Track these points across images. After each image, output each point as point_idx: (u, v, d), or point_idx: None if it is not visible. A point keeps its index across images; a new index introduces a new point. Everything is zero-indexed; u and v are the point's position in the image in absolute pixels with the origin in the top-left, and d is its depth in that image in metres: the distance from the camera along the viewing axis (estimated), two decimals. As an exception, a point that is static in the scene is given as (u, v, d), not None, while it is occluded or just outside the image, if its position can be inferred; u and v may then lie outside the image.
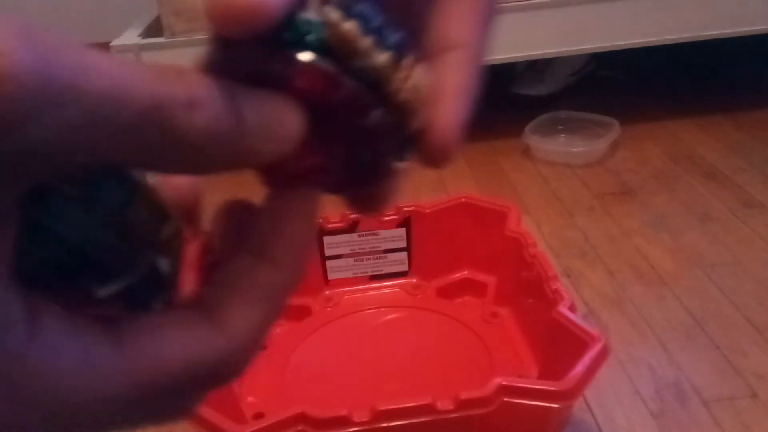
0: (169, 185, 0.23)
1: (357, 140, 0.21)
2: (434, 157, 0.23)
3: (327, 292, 1.00)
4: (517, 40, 1.37)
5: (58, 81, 0.15)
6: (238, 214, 0.23)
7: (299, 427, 0.65)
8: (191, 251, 0.23)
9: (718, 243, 1.09)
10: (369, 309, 0.98)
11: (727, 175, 1.29)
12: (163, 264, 0.21)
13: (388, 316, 0.96)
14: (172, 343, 0.19)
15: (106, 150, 0.16)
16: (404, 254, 1.01)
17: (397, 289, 1.00)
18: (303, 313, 0.97)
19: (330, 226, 0.98)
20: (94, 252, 0.19)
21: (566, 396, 0.67)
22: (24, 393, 0.17)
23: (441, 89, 0.22)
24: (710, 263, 1.04)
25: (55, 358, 0.17)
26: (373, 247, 1.00)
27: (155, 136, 0.17)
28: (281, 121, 0.19)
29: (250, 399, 0.83)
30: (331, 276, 1.00)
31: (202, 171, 0.19)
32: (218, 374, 0.21)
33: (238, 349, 0.20)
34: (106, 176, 0.19)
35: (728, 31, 1.39)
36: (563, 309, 0.76)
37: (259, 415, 0.78)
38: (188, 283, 0.22)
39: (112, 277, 0.19)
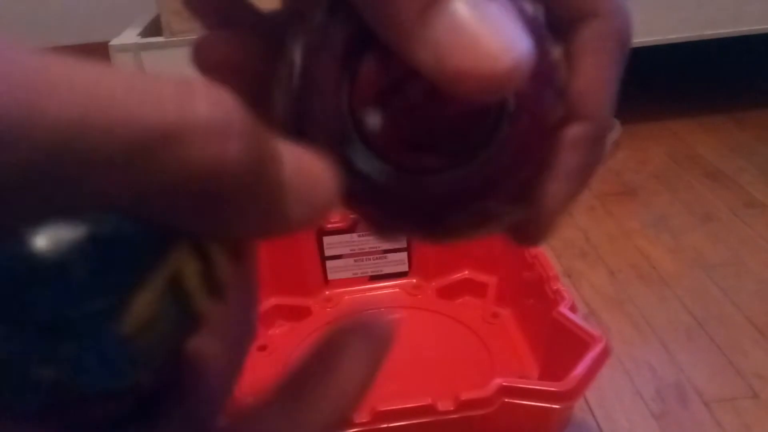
0: None
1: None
2: (528, 240, 0.20)
3: (327, 293, 1.00)
4: (518, 40, 1.37)
5: (3, 111, 0.11)
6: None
7: (299, 428, 0.65)
8: None
9: (720, 243, 1.09)
10: (369, 309, 0.98)
11: (728, 175, 1.29)
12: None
13: (388, 317, 0.96)
14: None
15: (72, 199, 0.12)
16: (404, 254, 1.01)
17: (397, 290, 1.00)
18: (303, 313, 0.96)
19: (330, 226, 0.98)
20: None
21: (567, 397, 0.66)
22: None
23: (560, 169, 0.19)
24: (711, 263, 1.04)
25: None
26: (373, 248, 1.00)
27: (158, 175, 0.12)
28: (323, 180, 0.15)
29: (249, 399, 0.83)
30: (330, 276, 1.00)
31: (217, 230, 0.14)
32: None
33: None
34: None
35: (728, 31, 1.39)
36: (564, 309, 0.76)
37: (258, 416, 0.78)
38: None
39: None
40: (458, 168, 0.18)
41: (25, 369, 0.13)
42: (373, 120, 0.17)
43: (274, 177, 0.14)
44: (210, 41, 0.21)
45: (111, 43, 1.32)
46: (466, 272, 1.00)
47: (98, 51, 1.74)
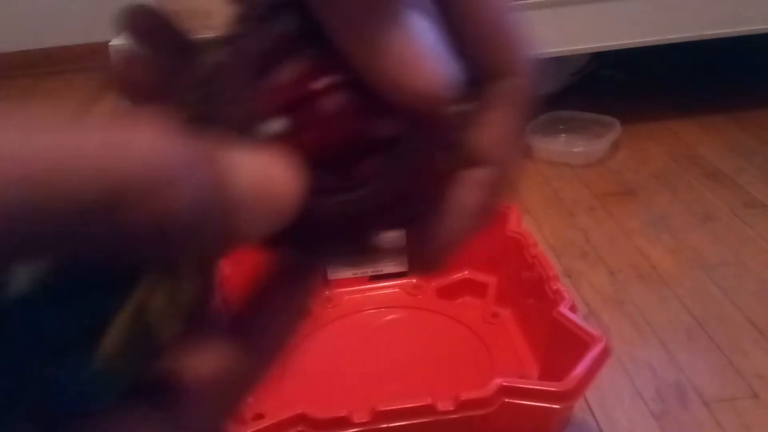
0: None
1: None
2: (414, 268, 0.22)
3: (327, 293, 1.00)
4: (518, 40, 1.37)
5: None
6: None
7: (299, 428, 0.65)
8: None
9: (720, 243, 1.09)
10: (369, 309, 0.98)
11: (728, 175, 1.29)
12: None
13: (388, 317, 0.96)
14: None
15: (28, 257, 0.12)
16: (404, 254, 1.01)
17: (397, 290, 1.00)
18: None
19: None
20: None
21: (567, 397, 0.66)
22: None
23: (451, 207, 0.20)
24: (711, 263, 1.04)
25: None
26: (374, 248, 0.99)
27: (109, 232, 0.12)
28: (283, 186, 0.15)
29: (249, 399, 0.83)
30: (330, 276, 1.00)
31: (169, 259, 0.15)
32: None
33: None
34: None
35: (728, 31, 1.39)
36: (564, 309, 0.76)
37: (258, 416, 0.78)
38: None
39: None
40: (348, 192, 0.18)
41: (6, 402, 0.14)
42: (277, 129, 0.17)
43: (230, 198, 0.14)
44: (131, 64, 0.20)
45: (111, 43, 1.33)
46: (466, 272, 1.00)
47: (98, 51, 1.74)
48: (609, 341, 0.71)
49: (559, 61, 1.62)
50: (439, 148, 0.19)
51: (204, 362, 0.18)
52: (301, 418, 0.65)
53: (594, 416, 0.79)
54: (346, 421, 0.65)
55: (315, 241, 0.18)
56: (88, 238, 0.12)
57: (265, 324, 0.19)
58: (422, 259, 0.21)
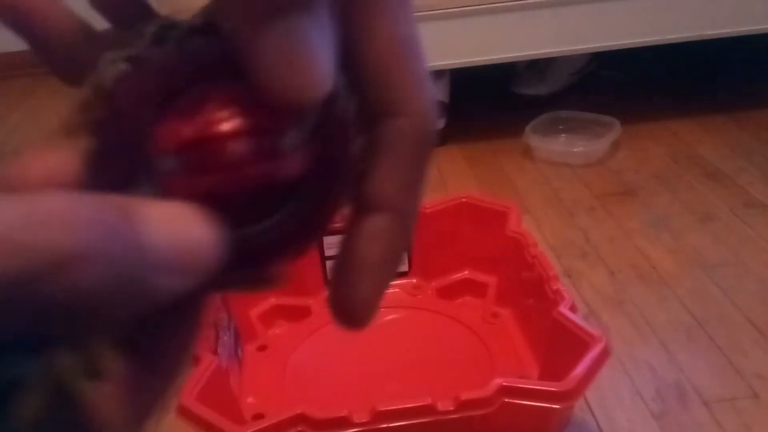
0: None
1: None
2: (341, 322, 0.21)
3: (327, 293, 1.00)
4: (517, 40, 1.37)
5: None
6: None
7: (299, 428, 0.65)
8: None
9: (720, 243, 1.09)
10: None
11: (728, 175, 1.29)
12: None
13: (388, 317, 0.96)
14: None
15: None
16: (404, 254, 1.01)
17: (397, 290, 1.00)
18: (303, 313, 0.96)
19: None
20: None
21: (567, 397, 0.66)
22: None
23: (360, 261, 0.20)
24: (711, 263, 1.04)
25: None
26: (374, 248, 0.99)
27: (22, 306, 0.12)
28: (199, 247, 0.15)
29: (249, 400, 0.83)
30: (331, 276, 1.00)
31: (89, 330, 0.14)
32: None
33: None
34: None
35: (728, 31, 1.39)
36: (564, 309, 0.76)
37: (258, 416, 0.78)
38: None
39: None
40: (241, 229, 0.17)
41: None
42: (171, 165, 0.17)
43: (148, 262, 0.14)
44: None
45: (111, 43, 1.32)
46: (466, 272, 1.00)
47: (98, 51, 1.74)
48: (609, 341, 0.71)
49: (558, 61, 1.62)
50: (340, 190, 0.19)
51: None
52: (301, 418, 0.65)
53: (594, 416, 0.79)
54: (346, 421, 0.65)
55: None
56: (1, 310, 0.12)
57: (154, 351, 0.18)
58: (347, 318, 0.21)
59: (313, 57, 0.16)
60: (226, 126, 0.16)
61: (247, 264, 0.18)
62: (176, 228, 0.15)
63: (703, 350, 0.88)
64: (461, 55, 1.38)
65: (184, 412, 0.67)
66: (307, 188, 0.18)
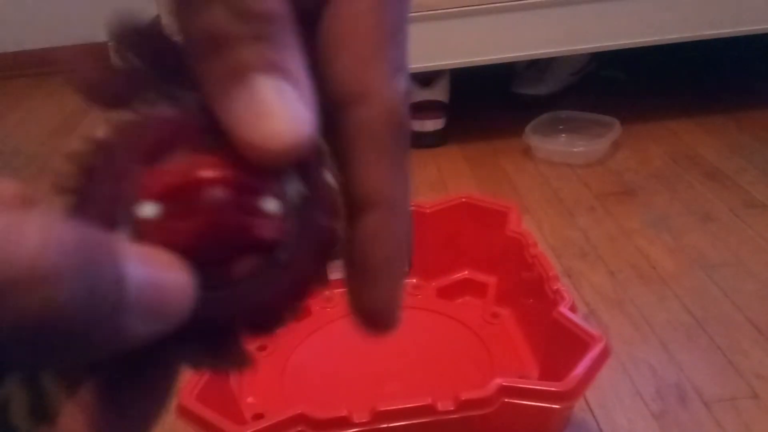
0: None
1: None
2: (372, 331, 0.21)
3: (327, 293, 1.00)
4: (517, 40, 1.37)
5: None
6: None
7: (299, 428, 0.65)
8: None
9: (720, 243, 1.09)
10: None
11: (728, 175, 1.29)
12: None
13: (389, 317, 0.96)
14: None
15: None
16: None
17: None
18: (303, 313, 0.96)
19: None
20: None
21: (567, 397, 0.66)
22: None
23: (365, 266, 0.19)
24: (711, 263, 1.04)
25: None
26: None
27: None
28: (173, 294, 0.15)
29: (249, 399, 0.83)
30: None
31: (52, 364, 0.14)
32: None
33: None
34: None
35: (728, 31, 1.39)
36: (564, 309, 0.76)
37: (258, 416, 0.78)
38: None
39: None
40: (213, 291, 0.17)
41: None
42: (150, 211, 0.17)
43: (113, 304, 0.13)
44: None
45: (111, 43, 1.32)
46: (466, 272, 1.00)
47: (98, 51, 1.74)
48: (609, 341, 0.71)
49: (558, 61, 1.62)
50: (320, 263, 0.19)
51: None
52: (301, 418, 0.65)
53: (594, 416, 0.79)
54: (346, 421, 0.65)
55: (171, 336, 0.16)
56: None
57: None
58: (375, 324, 0.21)
59: (272, 112, 0.17)
60: (205, 173, 0.17)
61: (213, 331, 0.18)
62: (153, 267, 0.15)
63: (703, 350, 0.88)
64: (461, 55, 1.38)
65: (184, 412, 0.67)
66: (285, 257, 0.18)
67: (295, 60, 0.17)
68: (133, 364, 0.17)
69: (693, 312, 0.94)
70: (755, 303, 0.95)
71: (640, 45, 1.40)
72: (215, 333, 0.18)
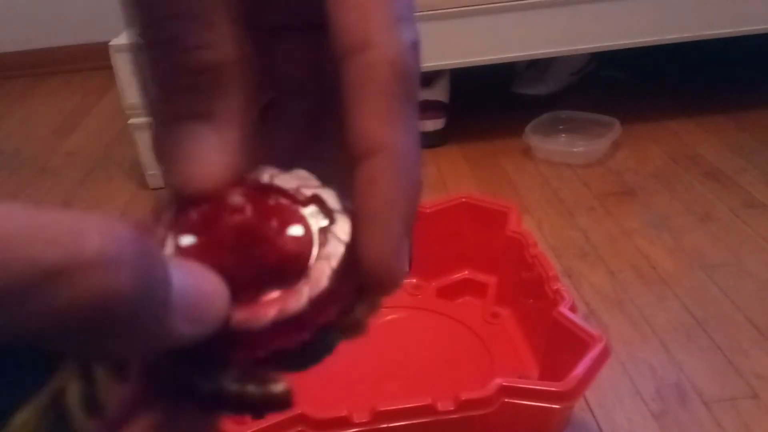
0: None
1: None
2: (375, 290, 0.21)
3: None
4: (517, 40, 1.37)
5: None
6: None
7: (299, 428, 0.65)
8: None
9: (720, 243, 1.09)
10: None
11: (728, 175, 1.29)
12: None
13: (388, 317, 0.96)
14: None
15: None
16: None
17: (397, 290, 1.00)
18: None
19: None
20: None
21: (567, 397, 0.66)
22: None
23: (364, 213, 0.19)
24: (711, 263, 1.04)
25: None
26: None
27: (47, 309, 0.13)
28: (212, 299, 0.17)
29: (249, 399, 0.83)
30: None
31: (105, 354, 0.15)
32: None
33: None
34: None
35: (728, 31, 1.39)
36: (564, 309, 0.76)
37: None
38: None
39: None
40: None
41: None
42: (186, 242, 0.18)
43: (162, 300, 0.15)
44: None
45: (111, 43, 1.32)
46: (466, 272, 1.00)
47: (98, 51, 1.74)
48: (609, 341, 0.71)
49: (558, 61, 1.62)
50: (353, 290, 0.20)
51: None
52: (301, 418, 0.65)
53: (594, 416, 0.79)
54: (346, 421, 0.65)
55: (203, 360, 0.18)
56: (24, 310, 0.13)
57: None
58: (375, 277, 0.20)
59: (190, 156, 0.19)
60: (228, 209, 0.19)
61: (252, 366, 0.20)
62: (193, 276, 0.17)
63: (703, 350, 0.88)
64: (461, 55, 1.38)
65: (184, 412, 0.67)
66: (284, 364, 0.20)
67: (226, 107, 0.20)
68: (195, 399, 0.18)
69: (693, 312, 0.94)
70: (755, 303, 0.95)
71: (640, 45, 1.40)
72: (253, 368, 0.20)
